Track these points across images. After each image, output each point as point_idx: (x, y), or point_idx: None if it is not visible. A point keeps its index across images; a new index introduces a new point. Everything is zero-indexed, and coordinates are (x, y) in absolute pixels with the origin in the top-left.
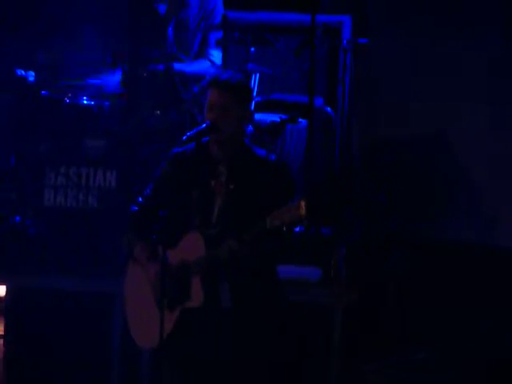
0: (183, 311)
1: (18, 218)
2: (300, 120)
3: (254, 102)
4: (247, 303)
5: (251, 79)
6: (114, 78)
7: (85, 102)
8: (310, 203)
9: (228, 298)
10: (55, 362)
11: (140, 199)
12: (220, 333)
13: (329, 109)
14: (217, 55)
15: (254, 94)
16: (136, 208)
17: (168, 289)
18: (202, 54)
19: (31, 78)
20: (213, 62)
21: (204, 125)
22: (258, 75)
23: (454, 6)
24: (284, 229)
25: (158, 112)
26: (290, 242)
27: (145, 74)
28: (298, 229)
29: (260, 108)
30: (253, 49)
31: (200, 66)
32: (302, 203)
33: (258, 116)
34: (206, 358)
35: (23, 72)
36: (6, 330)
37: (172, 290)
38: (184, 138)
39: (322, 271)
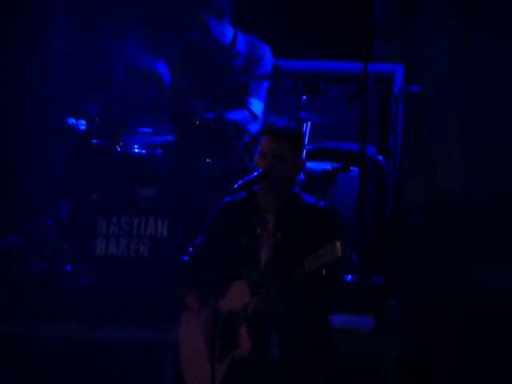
0: (233, 361)
1: (68, 266)
2: (352, 168)
3: (305, 151)
4: (295, 352)
5: (303, 127)
6: (166, 127)
7: (136, 150)
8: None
9: (277, 347)
10: None
11: (190, 249)
12: (269, 383)
13: (380, 157)
14: (256, 104)
15: (306, 142)
16: (186, 258)
17: (218, 338)
18: (241, 102)
19: (82, 127)
20: (251, 112)
21: (255, 173)
22: (309, 123)
23: (507, 50)
24: (323, 272)
25: (210, 160)
26: (340, 290)
27: (197, 122)
28: (349, 278)
29: (311, 156)
30: (304, 97)
31: (238, 116)
32: (337, 243)
33: (309, 164)
34: None
35: (74, 121)
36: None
37: (221, 339)
38: (235, 186)
39: (374, 320)
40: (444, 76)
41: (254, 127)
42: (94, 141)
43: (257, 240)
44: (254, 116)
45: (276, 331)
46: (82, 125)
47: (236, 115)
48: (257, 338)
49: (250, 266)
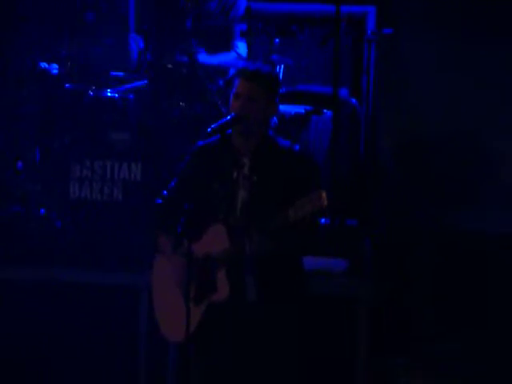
0: (209, 305)
1: (42, 210)
2: (325, 111)
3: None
4: (272, 296)
5: (276, 70)
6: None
7: (109, 94)
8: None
9: (253, 291)
10: (80, 357)
11: (165, 192)
12: (246, 326)
13: (354, 100)
14: (242, 47)
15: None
16: (161, 201)
17: (194, 282)
18: (227, 45)
19: (55, 71)
20: (239, 54)
21: (229, 117)
22: (282, 66)
23: None
24: (307, 220)
25: (183, 104)
26: (319, 236)
27: (169, 66)
28: (323, 220)
29: (284, 99)
30: (277, 40)
31: (225, 58)
32: (323, 193)
33: (282, 107)
34: (233, 353)
35: (47, 65)
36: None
37: (198, 283)
38: (209, 130)
39: (347, 262)
40: (418, 17)
41: None
42: (67, 85)
43: (233, 184)
44: (241, 58)
45: (252, 275)
46: (55, 69)
47: (223, 58)
48: (234, 282)
49: (226, 210)
